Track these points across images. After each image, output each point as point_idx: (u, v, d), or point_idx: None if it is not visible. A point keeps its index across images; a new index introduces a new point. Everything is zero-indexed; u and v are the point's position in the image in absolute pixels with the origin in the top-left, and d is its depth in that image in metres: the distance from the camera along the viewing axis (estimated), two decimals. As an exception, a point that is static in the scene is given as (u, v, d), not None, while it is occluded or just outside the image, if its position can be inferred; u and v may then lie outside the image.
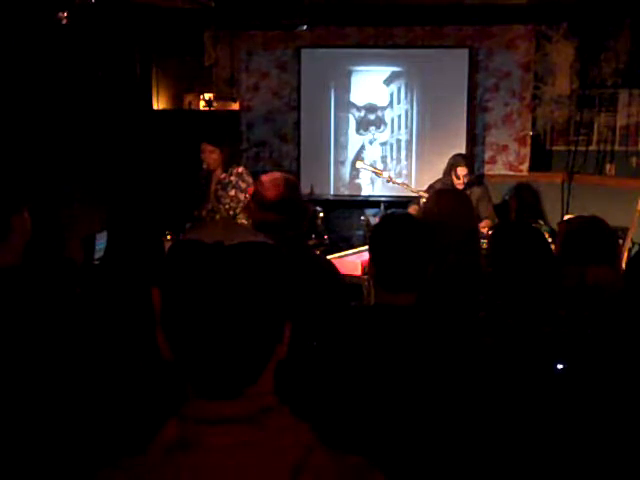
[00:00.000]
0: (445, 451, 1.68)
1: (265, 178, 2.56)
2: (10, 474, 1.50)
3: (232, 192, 4.62)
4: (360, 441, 1.58)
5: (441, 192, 3.23)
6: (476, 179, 5.55)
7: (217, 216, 4.65)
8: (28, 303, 1.66)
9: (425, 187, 5.36)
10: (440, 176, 5.43)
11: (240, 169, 4.67)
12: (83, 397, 1.61)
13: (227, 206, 4.63)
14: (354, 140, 6.68)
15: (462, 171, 5.13)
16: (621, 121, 6.13)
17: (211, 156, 4.63)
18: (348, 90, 6.59)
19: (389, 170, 6.28)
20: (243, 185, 4.59)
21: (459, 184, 5.13)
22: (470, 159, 5.70)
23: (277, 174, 2.58)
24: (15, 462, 1.51)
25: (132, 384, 1.75)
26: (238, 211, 4.58)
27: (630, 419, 1.58)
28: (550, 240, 5.00)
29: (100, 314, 1.96)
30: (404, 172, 6.62)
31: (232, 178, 4.63)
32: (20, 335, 1.59)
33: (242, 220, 4.37)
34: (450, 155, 5.43)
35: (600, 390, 1.79)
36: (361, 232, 5.91)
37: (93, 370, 1.67)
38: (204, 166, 4.73)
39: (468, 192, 5.16)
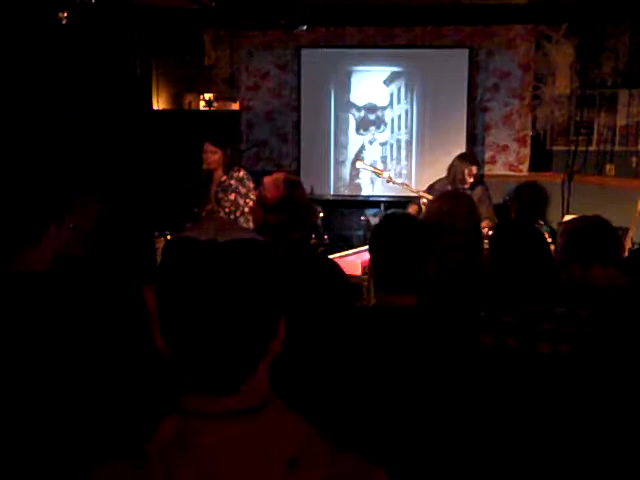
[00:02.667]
0: (445, 449, 1.68)
1: (266, 180, 2.56)
2: (7, 471, 1.50)
3: (232, 196, 4.63)
4: (360, 438, 1.59)
5: (444, 194, 3.24)
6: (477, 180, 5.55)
7: None
8: (50, 308, 1.66)
9: (425, 187, 5.36)
10: (440, 176, 5.43)
11: (241, 173, 4.67)
12: (81, 394, 1.61)
13: (227, 210, 4.64)
14: (354, 140, 6.68)
15: (475, 170, 5.17)
16: (621, 121, 6.13)
17: (213, 157, 4.64)
18: (348, 90, 6.60)
19: (389, 170, 6.28)
20: (243, 190, 4.60)
21: (468, 183, 5.14)
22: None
23: (278, 175, 2.57)
24: (11, 459, 1.51)
25: (129, 380, 1.75)
26: (238, 214, 4.59)
27: (630, 418, 1.59)
28: (550, 240, 5.01)
29: (95, 312, 1.96)
30: (404, 172, 6.62)
31: (232, 182, 4.64)
32: (29, 336, 1.60)
33: (242, 224, 4.37)
34: (450, 155, 5.43)
35: (601, 387, 1.80)
36: (361, 232, 5.92)
37: (91, 367, 1.67)
38: (204, 166, 4.74)
39: (469, 193, 5.16)
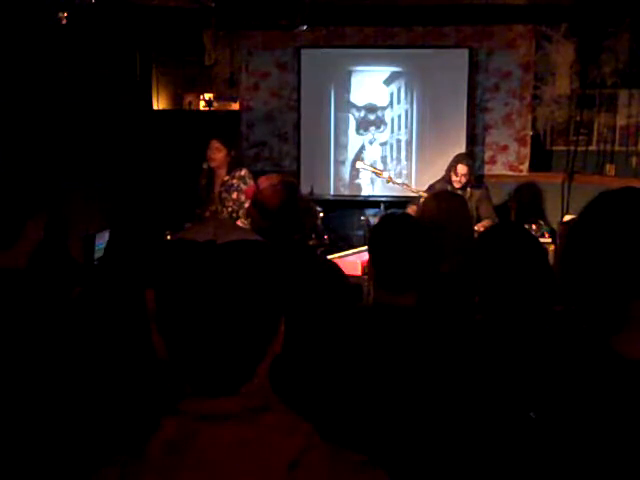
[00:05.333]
0: (444, 449, 1.68)
1: (264, 185, 2.47)
2: (7, 474, 1.50)
3: (234, 195, 4.65)
4: (360, 438, 1.59)
5: (439, 195, 3.23)
6: (476, 180, 5.54)
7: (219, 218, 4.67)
8: (28, 306, 1.65)
9: (425, 187, 5.36)
10: (440, 176, 5.44)
11: (243, 172, 4.69)
12: (80, 396, 1.61)
13: (230, 209, 4.65)
14: (354, 140, 6.68)
15: (462, 169, 5.13)
16: (621, 121, 6.13)
17: (217, 154, 4.65)
18: (348, 90, 6.60)
19: (389, 170, 6.28)
20: (245, 188, 4.61)
21: (456, 182, 5.14)
22: (472, 159, 5.70)
23: (274, 179, 2.50)
24: (11, 461, 1.51)
25: (128, 382, 1.75)
26: (241, 214, 4.60)
27: (628, 420, 1.58)
28: (550, 240, 5.01)
29: (99, 313, 1.96)
30: (404, 172, 6.62)
31: (235, 181, 4.66)
32: (18, 336, 1.59)
33: (243, 222, 4.37)
34: (450, 155, 5.44)
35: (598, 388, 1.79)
36: (361, 232, 5.92)
37: (90, 369, 1.67)
38: (204, 166, 4.74)
39: (469, 193, 5.17)
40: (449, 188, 5.06)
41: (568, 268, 1.31)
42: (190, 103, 6.64)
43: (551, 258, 3.84)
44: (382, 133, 6.64)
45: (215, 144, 4.66)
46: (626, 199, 1.31)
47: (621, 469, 1.17)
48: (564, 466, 1.28)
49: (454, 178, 5.14)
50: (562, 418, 1.30)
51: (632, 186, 1.33)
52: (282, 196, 2.43)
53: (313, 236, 4.96)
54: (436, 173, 5.65)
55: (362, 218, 5.79)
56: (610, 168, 6.17)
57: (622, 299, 1.21)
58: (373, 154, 6.65)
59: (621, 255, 1.22)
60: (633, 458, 1.16)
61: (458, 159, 5.23)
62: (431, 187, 5.26)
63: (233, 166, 4.69)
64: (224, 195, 4.68)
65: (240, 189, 4.63)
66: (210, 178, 4.77)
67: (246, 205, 4.50)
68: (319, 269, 2.50)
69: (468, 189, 5.20)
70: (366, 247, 4.29)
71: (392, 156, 6.66)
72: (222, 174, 4.70)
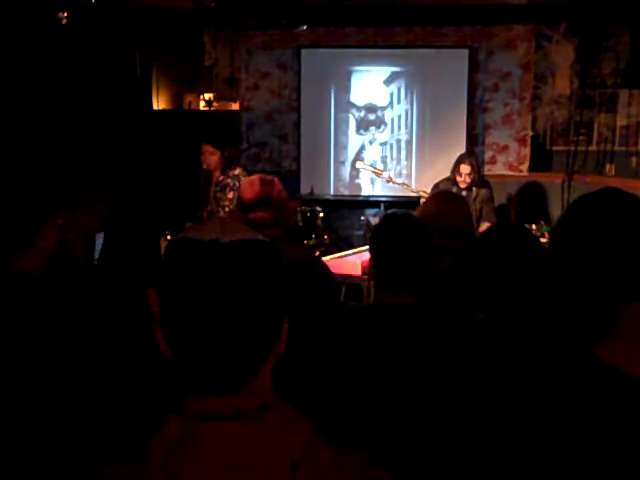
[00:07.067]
0: (444, 447, 1.68)
1: (242, 182, 2.56)
2: (10, 473, 1.50)
3: (230, 194, 4.63)
4: (361, 437, 1.59)
5: (438, 196, 3.22)
6: (481, 180, 5.51)
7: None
8: (47, 314, 1.63)
9: (424, 187, 5.34)
10: (439, 175, 5.43)
11: (237, 171, 4.67)
12: (85, 396, 1.61)
13: (226, 208, 4.64)
14: (354, 140, 6.68)
15: (465, 169, 5.11)
16: (621, 121, 6.13)
17: (211, 158, 4.64)
18: (348, 90, 6.60)
19: (389, 170, 6.28)
20: None
21: (461, 182, 5.12)
22: (475, 158, 5.66)
23: (255, 176, 2.56)
24: (15, 461, 1.51)
25: (132, 382, 1.75)
26: None
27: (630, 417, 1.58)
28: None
29: (99, 313, 1.96)
30: (404, 172, 6.62)
31: (229, 180, 4.65)
32: (27, 337, 1.59)
33: (240, 221, 4.37)
34: (450, 155, 5.43)
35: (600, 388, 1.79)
36: (361, 232, 5.92)
37: (94, 369, 1.66)
38: (204, 166, 4.73)
39: (475, 193, 5.15)
40: (454, 189, 5.03)
41: (552, 275, 1.30)
42: (190, 103, 6.64)
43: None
44: (382, 133, 6.64)
45: (208, 148, 4.64)
46: (605, 202, 1.30)
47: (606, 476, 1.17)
48: (555, 468, 1.28)
49: (458, 179, 5.12)
50: (553, 422, 1.30)
51: (610, 187, 1.32)
52: (256, 189, 2.44)
53: (313, 236, 4.96)
54: (436, 173, 5.64)
55: (362, 218, 5.79)
56: (610, 168, 6.18)
57: (607, 306, 1.20)
58: (373, 154, 6.65)
59: (604, 261, 1.20)
60: (620, 465, 1.15)
61: (460, 159, 5.21)
62: (436, 186, 5.24)
63: (227, 165, 4.68)
64: (219, 195, 4.67)
65: (236, 188, 4.62)
66: (207, 179, 4.76)
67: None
68: (301, 265, 2.47)
69: (474, 189, 5.17)
70: (366, 247, 4.29)
71: (392, 156, 6.66)
72: (217, 175, 4.70)
